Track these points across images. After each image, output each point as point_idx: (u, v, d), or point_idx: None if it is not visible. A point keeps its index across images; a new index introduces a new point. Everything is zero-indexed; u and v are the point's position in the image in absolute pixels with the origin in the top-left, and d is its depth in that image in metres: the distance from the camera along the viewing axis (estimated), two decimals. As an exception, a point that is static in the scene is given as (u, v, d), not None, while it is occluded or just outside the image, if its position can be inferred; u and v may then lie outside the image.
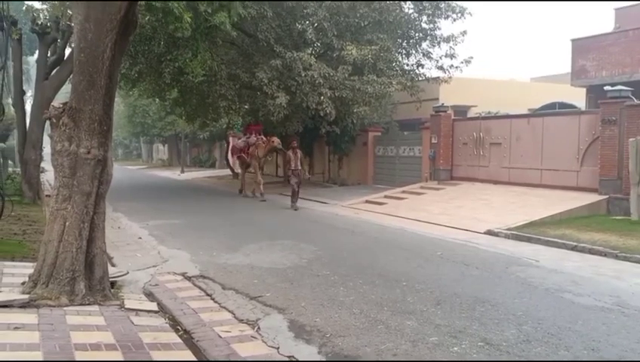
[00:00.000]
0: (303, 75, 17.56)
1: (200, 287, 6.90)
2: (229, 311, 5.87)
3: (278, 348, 4.79)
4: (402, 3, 20.10)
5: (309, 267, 8.00)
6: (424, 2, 19.77)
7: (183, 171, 36.33)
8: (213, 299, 6.37)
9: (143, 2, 11.69)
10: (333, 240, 10.79)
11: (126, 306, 5.69)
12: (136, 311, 5.63)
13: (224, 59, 20.01)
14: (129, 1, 5.48)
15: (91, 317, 5.18)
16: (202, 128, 31.71)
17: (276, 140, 18.19)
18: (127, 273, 7.24)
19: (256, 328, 5.33)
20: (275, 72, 18.11)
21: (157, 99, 28.84)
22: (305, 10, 18.21)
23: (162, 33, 16.53)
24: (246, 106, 23.25)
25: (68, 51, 15.25)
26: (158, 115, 42.60)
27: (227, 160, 33.91)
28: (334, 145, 23.98)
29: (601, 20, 52.48)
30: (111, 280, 6.32)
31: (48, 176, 20.54)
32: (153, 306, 5.94)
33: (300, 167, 16.04)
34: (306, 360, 4.58)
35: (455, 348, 4.83)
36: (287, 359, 4.59)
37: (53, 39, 15.23)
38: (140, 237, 10.58)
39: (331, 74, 17.63)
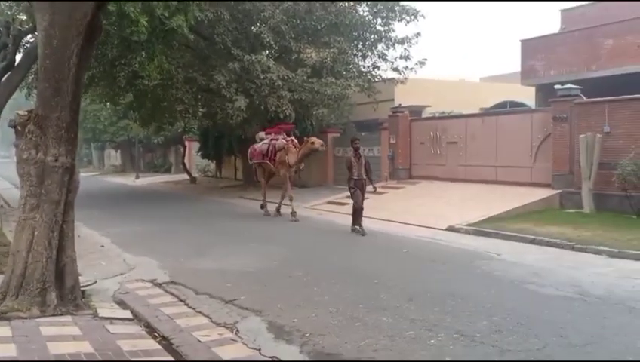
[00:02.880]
0: (262, 77, 17.56)
1: (172, 293, 6.83)
2: (205, 316, 5.85)
3: (259, 350, 4.83)
4: (357, 6, 20.33)
5: (281, 269, 8.05)
6: (379, 5, 20.05)
7: (137, 177, 35.55)
8: (187, 305, 6.32)
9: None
10: (301, 241, 10.86)
11: (99, 315, 5.60)
12: (111, 319, 5.55)
13: (180, 63, 19.77)
14: (97, 0, 5.39)
15: (66, 328, 5.08)
16: (157, 132, 31.18)
17: (317, 142, 14.16)
18: (95, 282, 7.10)
19: (235, 331, 5.34)
20: (234, 74, 18.04)
21: (109, 104, 28.18)
22: (262, 13, 18.22)
23: (115, 37, 16.23)
24: (203, 110, 23.01)
25: (19, 57, 14.79)
26: (110, 120, 41.63)
27: (184, 164, 33.69)
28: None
29: (548, 21, 54.66)
30: (80, 289, 6.20)
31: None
32: (127, 314, 5.87)
33: (364, 176, 11.82)
34: (289, 359, 4.64)
35: (432, 341, 4.98)
36: (270, 359, 4.63)
37: (3, 44, 14.71)
38: (103, 246, 10.35)
39: (290, 76, 17.70)
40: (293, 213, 13.97)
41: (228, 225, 13.28)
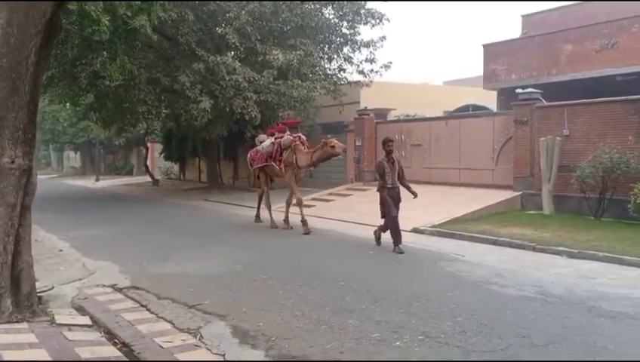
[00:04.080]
0: (227, 78, 17.41)
1: (133, 299, 6.67)
2: (168, 321, 5.72)
3: (224, 355, 4.75)
4: (323, 9, 20.39)
5: (246, 272, 7.95)
6: (345, 8, 20.15)
7: (98, 179, 34.85)
8: (149, 310, 6.18)
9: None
10: (266, 244, 10.77)
11: (57, 321, 5.43)
12: (69, 326, 5.39)
13: (143, 63, 19.43)
14: (56, 0, 5.24)
15: (22, 335, 4.90)
16: (119, 134, 30.60)
17: (338, 145, 11.98)
18: (53, 287, 6.90)
19: (198, 336, 5.24)
20: (198, 75, 17.84)
21: (69, 105, 27.56)
22: (227, 15, 18.06)
23: (76, 36, 15.86)
24: (166, 111, 22.66)
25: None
26: (69, 121, 40.75)
27: (146, 166, 33.12)
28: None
29: (509, 26, 56.02)
30: (37, 295, 6.00)
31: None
32: (86, 320, 5.70)
33: (398, 184, 9.88)
34: (254, 364, 4.58)
35: (397, 343, 4.98)
36: (234, 365, 4.56)
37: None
38: (61, 250, 10.06)
39: (256, 78, 17.60)
40: (304, 223, 11.92)
41: (192, 228, 13.09)
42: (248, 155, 13.97)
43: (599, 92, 14.14)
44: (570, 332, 5.24)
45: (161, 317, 5.86)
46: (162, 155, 32.63)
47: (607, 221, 12.09)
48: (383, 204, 9.78)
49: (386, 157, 9.90)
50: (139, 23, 13.91)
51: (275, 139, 12.81)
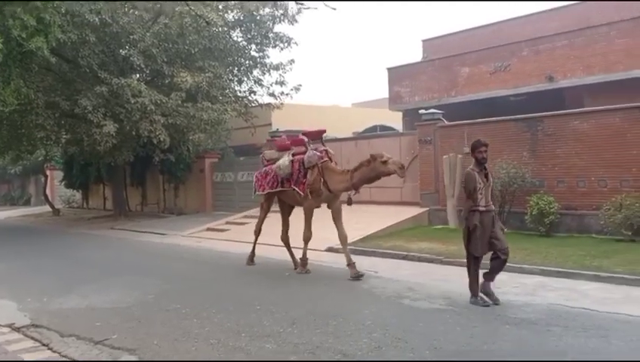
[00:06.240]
0: (133, 101, 16.86)
1: (33, 338, 6.21)
2: (73, 360, 5.39)
3: (135, 391, 4.52)
4: (231, 31, 20.38)
5: (157, 302, 7.65)
6: (252, 32, 20.24)
7: (-9, 211, 32.42)
8: (51, 349, 5.78)
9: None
10: (178, 271, 10.44)
11: (-55, 369, 4.95)
12: (-41, 373, 4.93)
13: (40, 87, 18.44)
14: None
15: None
16: (15, 162, 28.71)
17: (392, 160, 8.79)
18: (-60, 332, 6.29)
19: (107, 373, 4.97)
20: (101, 99, 17.14)
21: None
22: (131, 36, 17.56)
23: (-36, 59, 14.79)
24: (67, 136, 21.54)
25: None
26: (-43, 150, 37.71)
27: (45, 195, 31.19)
28: (169, 174, 23.31)
29: (411, 50, 58.65)
30: None
31: None
32: (-21, 365, 5.24)
33: (493, 206, 7.09)
34: (168, 398, 4.39)
35: (315, 364, 4.98)
36: (146, 401, 4.35)
37: None
38: (-50, 289, 9.22)
39: (164, 100, 17.18)
40: (351, 265, 8.98)
41: (97, 259, 12.45)
42: (254, 179, 10.80)
43: (495, 111, 15.07)
44: (478, 341, 5.48)
45: (65, 356, 5.52)
46: (63, 183, 30.95)
47: (507, 232, 12.58)
48: (474, 239, 6.81)
49: (477, 166, 7.08)
50: (35, 45, 13.20)
51: (293, 155, 9.80)
